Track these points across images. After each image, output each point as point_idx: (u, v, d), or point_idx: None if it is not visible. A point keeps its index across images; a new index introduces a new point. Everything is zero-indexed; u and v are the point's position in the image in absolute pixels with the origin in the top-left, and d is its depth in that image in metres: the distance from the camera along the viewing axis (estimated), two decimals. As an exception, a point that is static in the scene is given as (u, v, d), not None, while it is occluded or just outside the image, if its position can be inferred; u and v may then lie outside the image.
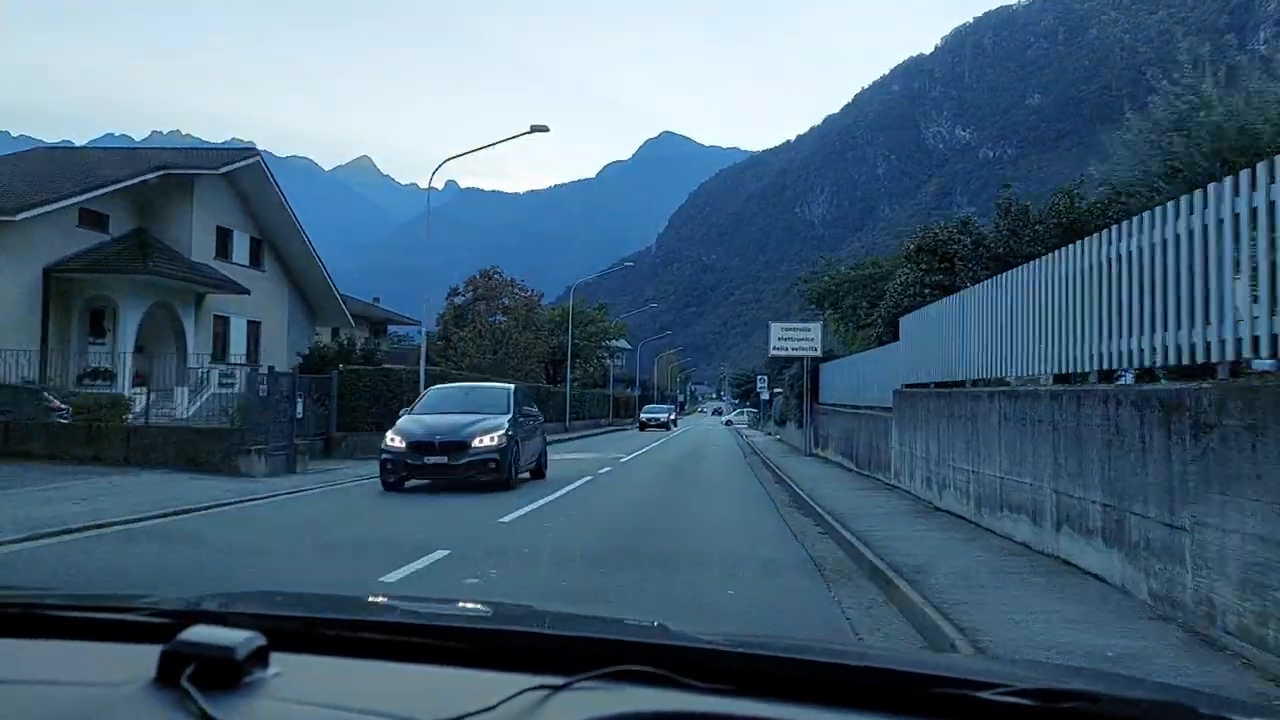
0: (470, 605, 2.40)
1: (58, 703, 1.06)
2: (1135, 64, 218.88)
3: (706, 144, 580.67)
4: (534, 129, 26.97)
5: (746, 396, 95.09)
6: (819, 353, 26.42)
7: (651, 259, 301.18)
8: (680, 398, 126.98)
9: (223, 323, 28.75)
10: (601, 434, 45.67)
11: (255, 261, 30.51)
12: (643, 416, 58.57)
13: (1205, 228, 5.67)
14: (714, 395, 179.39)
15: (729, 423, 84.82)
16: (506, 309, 50.63)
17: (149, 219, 26.46)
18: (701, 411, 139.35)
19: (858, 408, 19.51)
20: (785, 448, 31.73)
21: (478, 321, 47.74)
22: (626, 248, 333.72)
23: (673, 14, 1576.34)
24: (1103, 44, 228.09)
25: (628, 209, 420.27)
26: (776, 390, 48.76)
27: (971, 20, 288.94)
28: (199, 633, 1.08)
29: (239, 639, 1.06)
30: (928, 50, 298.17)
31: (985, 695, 1.08)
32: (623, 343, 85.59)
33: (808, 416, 27.09)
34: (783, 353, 27.05)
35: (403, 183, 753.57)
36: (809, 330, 26.69)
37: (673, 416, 67.38)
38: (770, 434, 47.37)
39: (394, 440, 14.58)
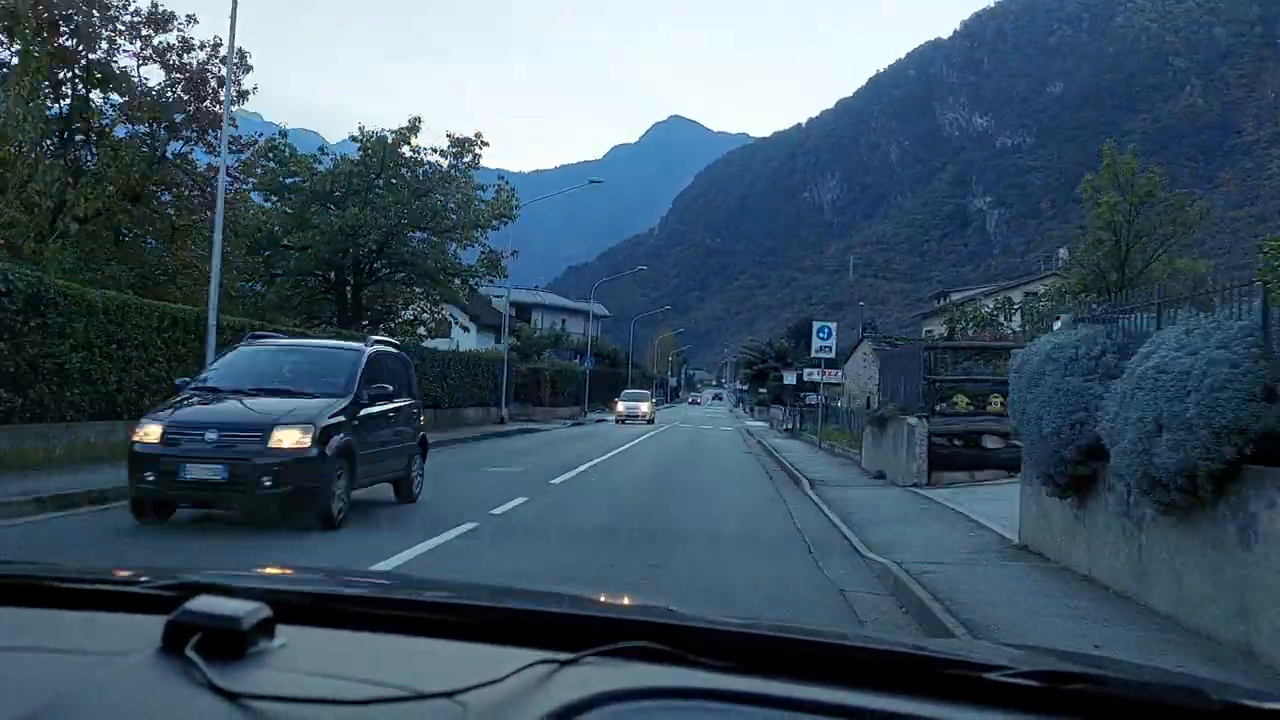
0: (479, 584, 2.25)
1: (62, 670, 1.05)
2: (1161, 53, 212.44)
3: (715, 130, 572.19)
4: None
5: (761, 379, 69.41)
6: None
7: (655, 241, 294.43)
8: (674, 382, 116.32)
9: None
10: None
11: None
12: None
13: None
14: (714, 382, 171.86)
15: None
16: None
17: None
18: (694, 402, 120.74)
19: None
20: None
21: None
22: (630, 231, 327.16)
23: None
24: (1128, 32, 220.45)
25: (634, 192, 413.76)
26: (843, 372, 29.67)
27: (993, 4, 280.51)
28: (204, 603, 1.07)
29: (245, 609, 1.06)
30: (946, 35, 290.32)
31: (992, 676, 1.09)
32: (599, 307, 74.13)
33: None
34: None
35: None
36: None
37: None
38: (862, 467, 20.20)
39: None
